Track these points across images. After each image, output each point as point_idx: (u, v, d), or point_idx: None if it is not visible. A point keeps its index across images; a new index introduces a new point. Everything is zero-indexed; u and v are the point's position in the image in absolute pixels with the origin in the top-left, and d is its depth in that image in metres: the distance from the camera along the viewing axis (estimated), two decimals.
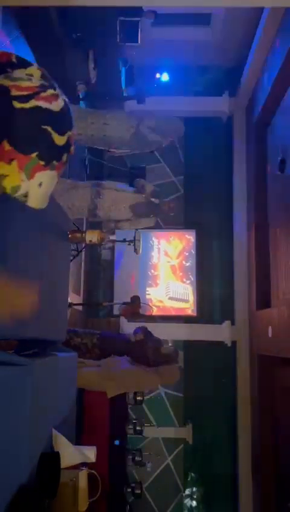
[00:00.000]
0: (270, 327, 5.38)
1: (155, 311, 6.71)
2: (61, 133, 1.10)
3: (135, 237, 4.89)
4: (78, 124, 4.36)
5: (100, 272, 7.07)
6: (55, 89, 1.15)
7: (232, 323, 6.76)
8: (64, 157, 1.13)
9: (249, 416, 6.42)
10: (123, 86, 6.21)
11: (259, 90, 6.27)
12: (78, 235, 3.01)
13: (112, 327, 6.45)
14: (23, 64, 1.14)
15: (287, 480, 5.37)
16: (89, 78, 5.01)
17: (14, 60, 1.14)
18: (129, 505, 5.49)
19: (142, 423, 5.76)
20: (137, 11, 5.14)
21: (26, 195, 1.09)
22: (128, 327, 6.15)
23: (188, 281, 7.01)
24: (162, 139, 4.74)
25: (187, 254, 7.07)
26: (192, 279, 7.00)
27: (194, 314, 6.91)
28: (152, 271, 7.06)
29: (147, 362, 4.32)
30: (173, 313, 6.94)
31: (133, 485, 5.56)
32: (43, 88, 1.11)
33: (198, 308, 6.91)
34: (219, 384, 6.72)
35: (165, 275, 7.05)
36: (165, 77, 7.15)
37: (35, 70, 1.14)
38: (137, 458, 5.72)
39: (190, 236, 7.10)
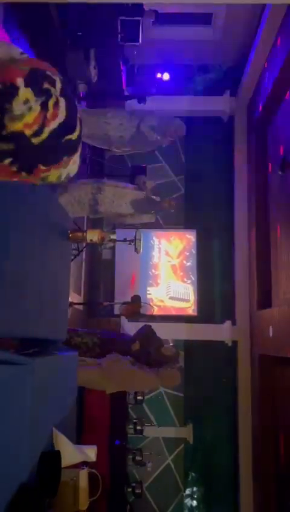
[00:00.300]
0: (271, 327, 5.38)
1: (156, 311, 6.70)
2: (73, 131, 1.20)
3: (135, 237, 4.89)
4: None
5: (101, 272, 7.07)
6: (48, 94, 1.16)
7: (233, 323, 6.75)
8: (80, 147, 1.25)
9: (250, 416, 6.42)
10: (124, 86, 6.20)
11: (260, 90, 6.27)
12: (79, 234, 3.01)
13: (112, 327, 6.44)
14: (12, 90, 1.14)
15: (287, 479, 5.37)
16: (90, 78, 5.00)
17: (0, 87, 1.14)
18: (130, 505, 5.49)
19: (142, 423, 5.76)
20: (138, 10, 5.13)
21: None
22: (129, 327, 6.15)
23: (188, 281, 7.01)
24: (162, 139, 4.74)
25: (188, 254, 7.07)
26: (193, 278, 7.00)
27: (195, 313, 6.91)
28: (153, 271, 7.06)
29: (148, 361, 4.32)
30: (174, 313, 6.94)
31: (133, 484, 5.56)
32: (44, 108, 1.14)
33: (199, 308, 6.90)
34: (220, 384, 6.72)
35: (166, 275, 7.05)
36: (166, 77, 7.14)
37: (25, 92, 1.13)
38: (137, 458, 5.72)
39: (190, 236, 7.10)
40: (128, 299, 5.33)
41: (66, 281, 2.93)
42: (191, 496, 6.57)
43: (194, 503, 6.55)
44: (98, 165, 6.44)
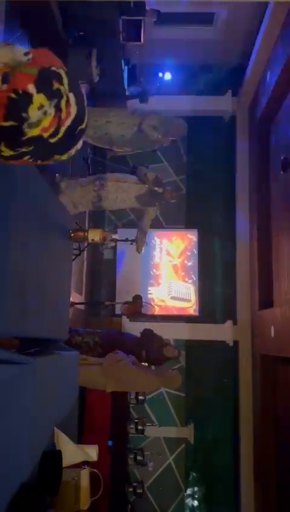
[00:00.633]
0: (272, 327, 5.37)
1: (157, 311, 6.71)
2: (83, 121, 1.28)
3: (136, 236, 4.89)
4: None
5: (102, 271, 7.07)
6: (59, 94, 1.19)
7: (234, 323, 6.75)
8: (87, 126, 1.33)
9: (251, 416, 6.41)
10: (126, 85, 6.20)
11: (262, 90, 6.26)
12: (81, 234, 3.01)
13: (113, 326, 6.44)
14: (26, 98, 1.16)
15: (289, 480, 5.37)
16: (91, 78, 5.00)
17: (14, 95, 1.14)
18: (131, 504, 5.49)
19: (143, 422, 5.75)
20: (140, 10, 5.13)
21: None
22: (130, 326, 6.15)
23: (190, 281, 7.00)
24: (164, 139, 4.74)
25: (189, 254, 7.07)
26: (194, 278, 6.99)
27: (196, 313, 6.90)
28: (154, 270, 7.06)
29: (148, 361, 4.32)
30: (175, 313, 6.93)
31: (134, 484, 5.56)
32: (58, 109, 1.19)
33: (200, 308, 6.90)
34: (221, 384, 6.71)
35: (167, 275, 7.05)
36: (167, 76, 7.14)
37: (38, 98, 1.16)
38: (139, 457, 5.71)
39: (192, 236, 7.10)
40: (130, 299, 5.33)
41: (68, 281, 2.93)
42: (192, 496, 6.57)
43: (195, 503, 6.55)
44: (100, 165, 6.43)
